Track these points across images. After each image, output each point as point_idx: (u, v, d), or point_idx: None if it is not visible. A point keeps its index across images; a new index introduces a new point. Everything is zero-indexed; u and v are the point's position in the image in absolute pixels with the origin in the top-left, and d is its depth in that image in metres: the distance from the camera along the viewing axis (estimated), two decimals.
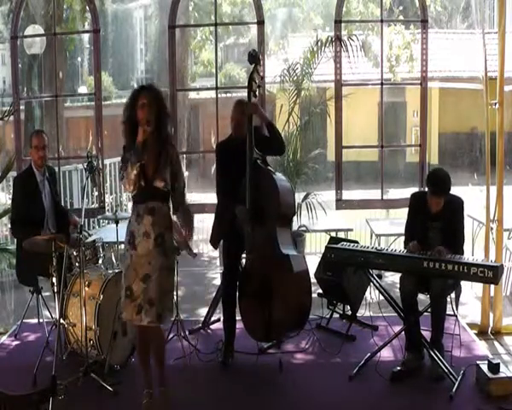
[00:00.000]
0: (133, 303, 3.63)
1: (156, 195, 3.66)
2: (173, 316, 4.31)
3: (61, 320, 4.17)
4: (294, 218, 6.67)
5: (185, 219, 3.85)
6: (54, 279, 4.23)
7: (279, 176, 4.56)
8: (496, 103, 5.14)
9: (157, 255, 3.64)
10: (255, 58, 4.46)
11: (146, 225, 3.64)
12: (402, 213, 4.72)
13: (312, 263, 5.43)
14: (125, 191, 4.08)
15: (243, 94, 4.57)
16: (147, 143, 3.61)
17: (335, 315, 5.24)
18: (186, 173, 8.58)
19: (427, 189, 4.35)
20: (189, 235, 3.89)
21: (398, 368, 4.25)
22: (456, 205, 4.34)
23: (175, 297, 3.93)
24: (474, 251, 6.45)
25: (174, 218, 3.81)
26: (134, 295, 3.62)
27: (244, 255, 4.70)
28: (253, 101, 4.48)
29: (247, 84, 4.51)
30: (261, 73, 5.70)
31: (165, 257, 3.68)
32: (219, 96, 6.21)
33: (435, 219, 4.33)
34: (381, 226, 6.61)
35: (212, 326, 5.26)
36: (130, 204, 9.49)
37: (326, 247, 4.75)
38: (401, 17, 10.31)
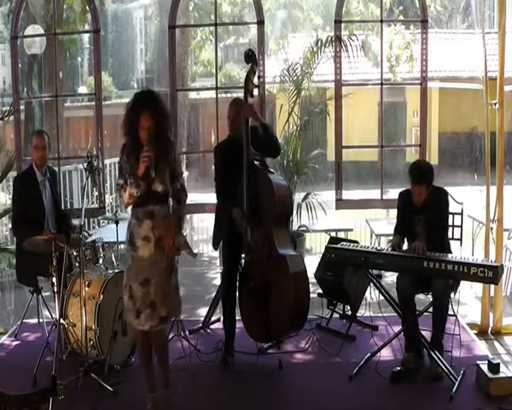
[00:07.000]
0: (132, 307, 3.60)
1: (156, 198, 3.60)
2: (181, 312, 4.03)
3: (61, 320, 4.16)
4: (295, 218, 6.75)
5: (177, 214, 3.68)
6: (54, 279, 4.23)
7: (275, 175, 4.54)
8: (496, 103, 5.14)
9: (158, 259, 3.59)
10: (252, 58, 4.42)
11: (145, 229, 3.59)
12: None
13: (312, 263, 5.44)
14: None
15: (243, 94, 4.56)
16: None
17: (335, 315, 5.24)
18: (186, 173, 8.60)
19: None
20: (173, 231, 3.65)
21: (398, 368, 4.25)
22: (438, 196, 4.36)
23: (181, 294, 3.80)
24: (474, 251, 6.46)
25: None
26: (134, 297, 3.59)
27: (243, 256, 4.69)
28: (249, 102, 4.44)
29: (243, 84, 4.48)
30: (260, 73, 5.74)
31: (167, 259, 3.62)
32: (219, 96, 6.20)
33: (420, 213, 4.35)
34: (381, 226, 6.62)
35: (212, 326, 5.26)
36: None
37: (326, 247, 4.75)
38: (401, 17, 10.30)
